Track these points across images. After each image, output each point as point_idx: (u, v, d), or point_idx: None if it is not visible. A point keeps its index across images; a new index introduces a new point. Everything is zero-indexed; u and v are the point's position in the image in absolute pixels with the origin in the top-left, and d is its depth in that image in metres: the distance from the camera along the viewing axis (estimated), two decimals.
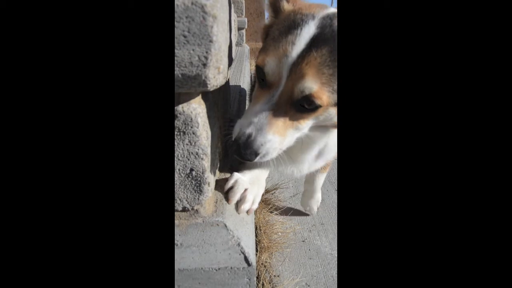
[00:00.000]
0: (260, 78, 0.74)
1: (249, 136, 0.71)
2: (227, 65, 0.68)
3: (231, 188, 0.87)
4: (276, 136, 0.72)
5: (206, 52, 0.53)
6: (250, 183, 0.91)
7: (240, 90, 1.84)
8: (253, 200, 0.89)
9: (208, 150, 0.69)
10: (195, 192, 0.72)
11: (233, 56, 1.53)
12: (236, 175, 0.90)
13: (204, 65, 0.54)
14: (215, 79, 0.58)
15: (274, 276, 1.12)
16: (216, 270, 0.76)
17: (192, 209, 0.77)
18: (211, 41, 0.52)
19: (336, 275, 1.15)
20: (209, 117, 0.72)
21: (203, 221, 0.77)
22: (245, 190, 0.88)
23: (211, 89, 0.60)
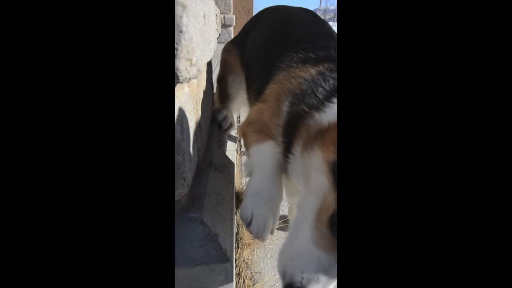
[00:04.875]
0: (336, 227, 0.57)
1: None
2: (202, 58, 0.67)
3: (251, 222, 0.75)
4: None
5: (176, 43, 0.52)
6: (267, 208, 0.76)
7: None
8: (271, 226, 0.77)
9: (183, 145, 0.68)
10: None
11: (220, 53, 1.51)
12: (251, 205, 0.76)
13: (174, 56, 0.53)
14: (187, 71, 0.57)
15: (256, 272, 1.11)
16: (193, 267, 0.75)
17: None
18: (180, 31, 0.51)
19: None
20: (184, 111, 0.71)
21: (179, 217, 0.76)
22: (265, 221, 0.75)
23: (183, 82, 0.58)
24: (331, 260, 0.58)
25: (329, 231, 0.59)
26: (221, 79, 1.43)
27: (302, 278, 0.58)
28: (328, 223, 0.59)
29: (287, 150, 0.78)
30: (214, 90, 1.57)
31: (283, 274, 0.61)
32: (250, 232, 0.76)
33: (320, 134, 0.69)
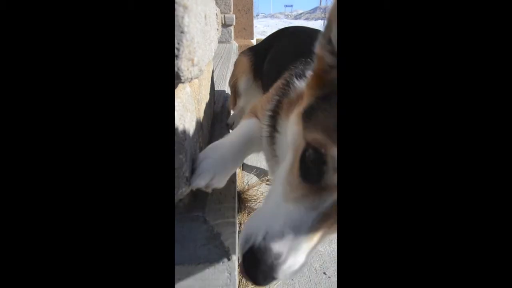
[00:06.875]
0: (308, 165, 0.52)
1: (278, 256, 0.49)
2: (203, 58, 0.67)
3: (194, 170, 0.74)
4: (309, 255, 0.52)
5: (178, 43, 0.52)
6: (214, 165, 0.77)
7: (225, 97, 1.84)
8: None
9: (185, 144, 0.68)
10: None
11: (220, 52, 1.52)
12: (203, 156, 0.77)
13: (176, 56, 0.53)
14: (188, 71, 0.57)
15: None
16: (196, 265, 0.76)
17: None
18: (182, 31, 0.52)
19: (319, 267, 1.16)
20: (186, 110, 0.71)
21: (182, 216, 0.77)
22: None
23: (185, 82, 0.59)
24: (301, 211, 0.50)
25: (300, 178, 0.53)
26: (233, 78, 1.59)
27: (264, 238, 0.50)
28: (300, 163, 0.54)
29: (273, 130, 0.76)
30: (216, 89, 1.60)
31: (245, 241, 0.53)
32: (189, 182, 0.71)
33: (299, 96, 0.66)
